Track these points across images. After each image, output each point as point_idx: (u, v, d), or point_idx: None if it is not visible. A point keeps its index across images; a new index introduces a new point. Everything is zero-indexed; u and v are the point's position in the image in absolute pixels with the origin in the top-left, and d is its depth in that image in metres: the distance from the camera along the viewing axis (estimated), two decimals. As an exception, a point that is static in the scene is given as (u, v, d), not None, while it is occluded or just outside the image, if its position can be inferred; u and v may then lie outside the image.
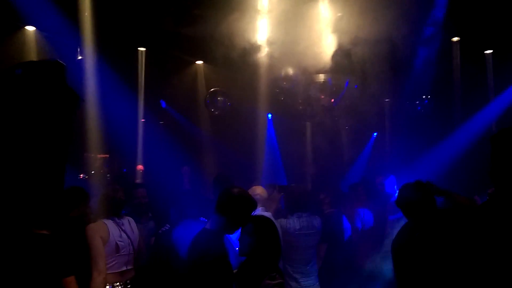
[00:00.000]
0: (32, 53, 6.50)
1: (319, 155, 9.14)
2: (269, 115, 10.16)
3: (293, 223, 3.96)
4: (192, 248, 2.56)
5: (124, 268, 3.38)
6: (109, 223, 3.35)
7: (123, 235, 3.38)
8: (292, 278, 3.88)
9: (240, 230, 2.63)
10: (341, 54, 6.09)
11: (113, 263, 3.30)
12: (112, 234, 3.29)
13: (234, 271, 2.65)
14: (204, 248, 2.44)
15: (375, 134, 11.45)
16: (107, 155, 9.26)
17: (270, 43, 6.34)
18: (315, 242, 4.05)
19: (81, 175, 8.19)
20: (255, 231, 2.55)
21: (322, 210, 4.77)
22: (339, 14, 6.08)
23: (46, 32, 6.60)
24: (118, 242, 3.31)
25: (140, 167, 8.61)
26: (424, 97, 8.74)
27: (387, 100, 10.22)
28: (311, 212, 4.10)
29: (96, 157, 8.60)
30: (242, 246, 2.60)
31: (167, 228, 3.41)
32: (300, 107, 7.50)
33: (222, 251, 2.48)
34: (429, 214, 2.71)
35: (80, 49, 6.65)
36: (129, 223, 3.56)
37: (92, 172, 8.34)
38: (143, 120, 8.92)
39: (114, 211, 3.45)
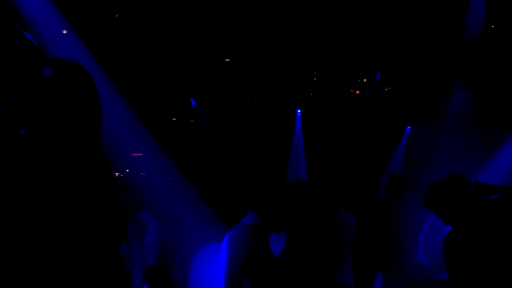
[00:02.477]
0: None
1: (351, 152, 8.92)
2: (298, 111, 10.03)
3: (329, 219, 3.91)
4: (226, 245, 2.46)
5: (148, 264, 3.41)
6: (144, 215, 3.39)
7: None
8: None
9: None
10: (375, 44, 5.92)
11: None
12: (149, 227, 3.34)
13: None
14: (238, 242, 2.36)
15: (408, 128, 11.05)
16: (141, 154, 9.44)
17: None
18: (350, 238, 3.98)
19: (116, 173, 8.39)
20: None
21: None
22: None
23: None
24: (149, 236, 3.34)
25: None
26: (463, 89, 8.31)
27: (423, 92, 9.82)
28: (345, 208, 4.06)
29: (131, 156, 8.80)
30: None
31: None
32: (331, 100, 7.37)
33: (255, 245, 2.36)
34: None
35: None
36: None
37: (127, 170, 8.52)
38: (174, 119, 9.05)
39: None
